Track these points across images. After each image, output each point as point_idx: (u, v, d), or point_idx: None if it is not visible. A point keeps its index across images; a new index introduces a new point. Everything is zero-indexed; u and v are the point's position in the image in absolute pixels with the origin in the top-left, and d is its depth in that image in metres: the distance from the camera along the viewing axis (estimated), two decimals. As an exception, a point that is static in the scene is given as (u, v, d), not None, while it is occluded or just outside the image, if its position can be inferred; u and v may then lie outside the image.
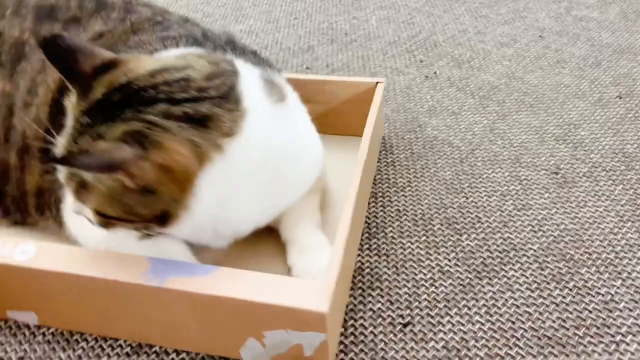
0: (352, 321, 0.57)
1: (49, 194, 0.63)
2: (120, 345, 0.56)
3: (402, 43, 1.15)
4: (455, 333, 0.55)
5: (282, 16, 1.33)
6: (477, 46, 1.12)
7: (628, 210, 0.69)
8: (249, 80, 0.54)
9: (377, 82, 0.79)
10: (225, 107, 0.50)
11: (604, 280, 0.60)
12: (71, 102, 0.50)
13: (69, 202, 0.57)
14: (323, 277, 0.49)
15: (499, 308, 0.57)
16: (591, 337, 0.54)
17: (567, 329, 0.55)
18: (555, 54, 1.07)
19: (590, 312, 0.56)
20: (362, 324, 0.56)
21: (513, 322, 0.56)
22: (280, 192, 0.59)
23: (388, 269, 0.63)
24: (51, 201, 0.63)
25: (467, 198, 0.73)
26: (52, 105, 0.63)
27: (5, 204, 0.67)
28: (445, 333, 0.55)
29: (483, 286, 0.60)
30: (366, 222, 0.70)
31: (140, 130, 0.46)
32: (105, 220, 0.51)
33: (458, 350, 0.53)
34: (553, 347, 0.53)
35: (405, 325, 0.56)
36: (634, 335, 0.54)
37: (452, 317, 0.57)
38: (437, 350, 0.53)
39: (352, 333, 0.56)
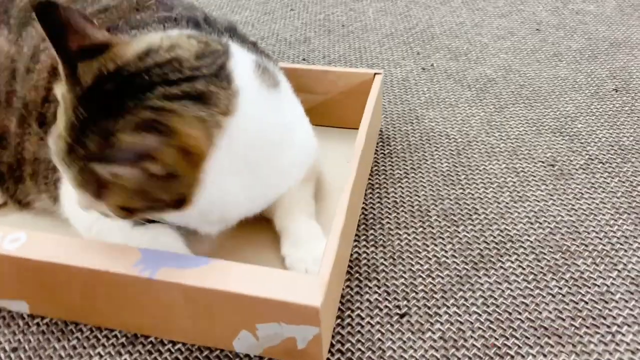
0: (348, 312, 0.57)
1: (45, 165, 0.62)
2: (116, 336, 0.55)
3: (399, 35, 1.15)
4: (451, 324, 0.55)
5: (278, 7, 1.32)
6: (474, 39, 1.12)
7: (624, 203, 0.69)
8: (241, 62, 0.53)
9: (375, 74, 0.79)
10: (219, 85, 0.49)
11: (600, 272, 0.60)
12: (60, 90, 0.49)
13: (71, 193, 0.56)
14: (317, 271, 0.49)
15: (495, 299, 0.57)
16: (587, 327, 0.54)
17: (564, 320, 0.55)
18: (552, 47, 1.07)
19: (587, 303, 0.57)
20: (358, 315, 0.56)
21: (509, 313, 0.56)
22: (271, 179, 0.58)
23: (385, 260, 0.63)
24: (47, 174, 0.63)
25: (463, 190, 0.73)
26: (50, 72, 0.62)
27: (0, 170, 0.67)
28: (442, 324, 0.55)
29: (480, 277, 0.60)
30: (363, 213, 0.70)
31: (152, 118, 0.45)
32: (128, 212, 0.50)
33: (455, 340, 0.53)
34: (549, 337, 0.53)
35: (402, 316, 0.56)
36: (629, 326, 0.54)
37: (448, 307, 0.57)
38: (434, 340, 0.54)
39: (348, 324, 0.56)
